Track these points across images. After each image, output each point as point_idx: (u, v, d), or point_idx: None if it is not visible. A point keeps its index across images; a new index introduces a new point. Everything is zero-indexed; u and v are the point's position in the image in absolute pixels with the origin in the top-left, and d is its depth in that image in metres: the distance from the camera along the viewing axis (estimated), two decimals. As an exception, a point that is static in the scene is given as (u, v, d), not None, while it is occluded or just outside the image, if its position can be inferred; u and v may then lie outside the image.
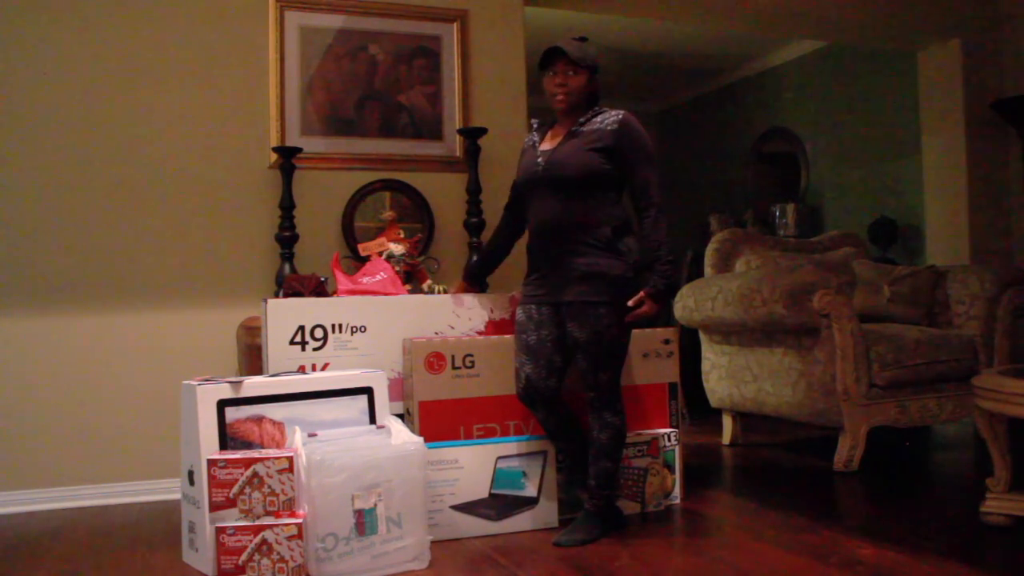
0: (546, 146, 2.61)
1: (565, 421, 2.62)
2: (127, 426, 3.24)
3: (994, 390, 2.42)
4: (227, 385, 2.35)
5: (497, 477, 2.61)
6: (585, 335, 2.47)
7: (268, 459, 2.20)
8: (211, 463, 2.19)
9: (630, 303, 2.47)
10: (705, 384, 4.06)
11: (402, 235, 3.24)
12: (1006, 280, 3.76)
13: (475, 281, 2.95)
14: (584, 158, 2.50)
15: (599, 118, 2.55)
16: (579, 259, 2.49)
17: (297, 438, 2.30)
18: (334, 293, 2.95)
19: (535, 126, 2.73)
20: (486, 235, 3.48)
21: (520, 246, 2.80)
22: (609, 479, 2.55)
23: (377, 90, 3.63)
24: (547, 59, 2.56)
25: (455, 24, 3.72)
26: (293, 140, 3.47)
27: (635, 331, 2.90)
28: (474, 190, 3.48)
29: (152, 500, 3.21)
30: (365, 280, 2.93)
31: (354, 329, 2.72)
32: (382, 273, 2.95)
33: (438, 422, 2.63)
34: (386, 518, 2.23)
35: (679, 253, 5.96)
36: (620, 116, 2.53)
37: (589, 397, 2.53)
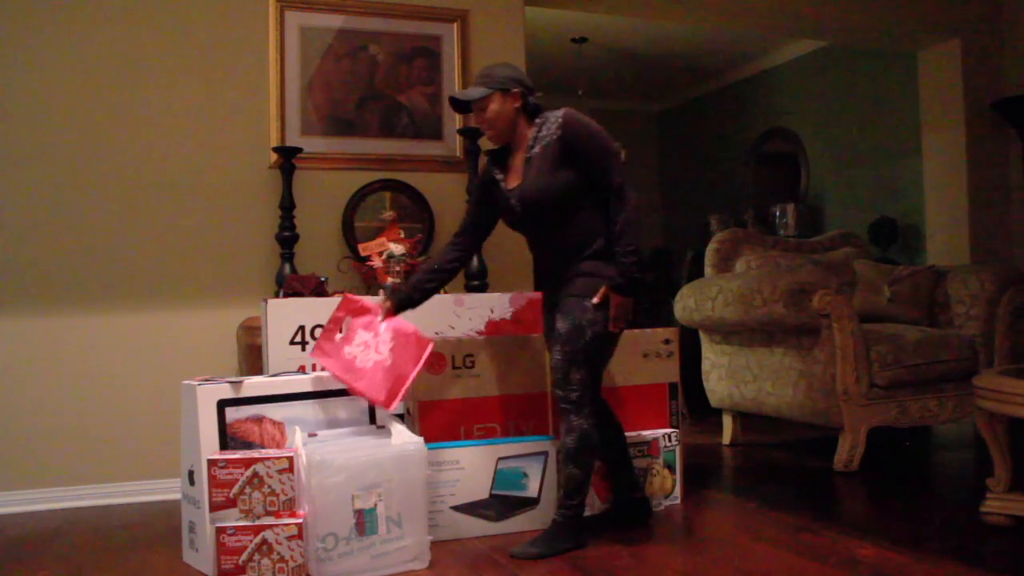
0: (512, 182, 2.50)
1: (602, 420, 2.54)
2: (127, 426, 3.25)
3: (994, 390, 2.42)
4: (227, 385, 2.35)
5: (498, 478, 2.61)
6: (567, 327, 2.37)
7: (268, 459, 2.20)
8: (211, 463, 2.19)
9: (595, 300, 2.36)
10: (705, 384, 4.06)
11: (402, 235, 3.25)
12: (1006, 280, 3.76)
13: (402, 308, 2.56)
14: (550, 183, 2.39)
15: (543, 131, 2.42)
16: (575, 264, 2.43)
17: (297, 438, 2.30)
18: (334, 294, 2.95)
19: (488, 160, 2.60)
20: (486, 235, 3.49)
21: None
22: (578, 488, 2.39)
23: (377, 90, 3.63)
24: (458, 109, 2.54)
25: (455, 24, 3.73)
26: (293, 140, 3.47)
27: (635, 331, 2.91)
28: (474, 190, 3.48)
29: (152, 500, 3.22)
30: (348, 352, 2.48)
31: (354, 329, 2.72)
32: (373, 354, 2.48)
33: (438, 422, 2.63)
34: (386, 518, 2.23)
35: (679, 253, 5.97)
36: (559, 119, 2.40)
37: (558, 396, 2.40)
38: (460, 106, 2.52)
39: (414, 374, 2.40)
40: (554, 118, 2.41)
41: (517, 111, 2.47)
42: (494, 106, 2.45)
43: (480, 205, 2.62)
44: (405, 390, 2.38)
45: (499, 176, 2.54)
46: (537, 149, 2.43)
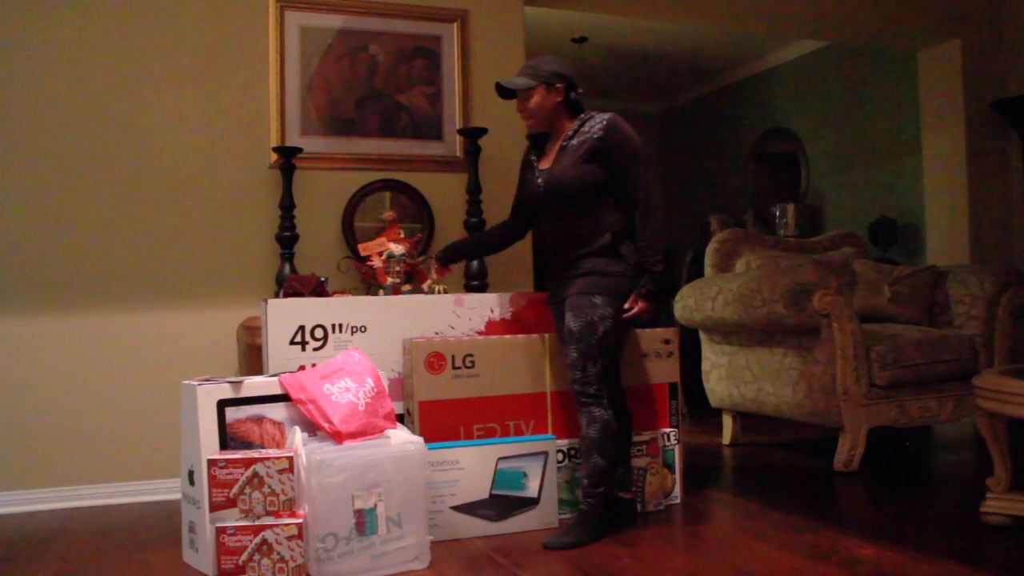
0: (544, 164, 2.67)
1: (616, 415, 2.59)
2: (127, 426, 3.24)
3: (994, 390, 2.42)
4: (227, 385, 2.35)
5: (498, 478, 2.61)
6: (579, 325, 2.49)
7: (268, 459, 2.20)
8: (211, 463, 2.19)
9: (626, 305, 2.53)
10: (705, 384, 4.06)
11: (402, 235, 3.24)
12: (1006, 280, 3.76)
13: (447, 263, 2.92)
14: (578, 173, 2.54)
15: (586, 126, 2.57)
16: (581, 261, 2.58)
17: (297, 438, 2.30)
18: (334, 293, 2.95)
19: (529, 143, 2.78)
20: (486, 235, 3.49)
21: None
22: (603, 477, 2.50)
23: (377, 90, 3.63)
24: (502, 95, 2.67)
25: (455, 24, 3.72)
26: (293, 140, 3.47)
27: (635, 331, 2.91)
28: (474, 190, 3.48)
29: (152, 500, 3.22)
30: (326, 389, 2.43)
31: (354, 329, 2.72)
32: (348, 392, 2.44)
33: (438, 422, 2.63)
34: (386, 518, 2.23)
35: (678, 253, 5.98)
36: (605, 121, 2.54)
37: (577, 391, 2.51)
38: (505, 93, 2.65)
39: (373, 436, 2.36)
40: (599, 119, 2.55)
41: (558, 104, 2.61)
42: (537, 98, 2.59)
43: (520, 187, 2.79)
44: (359, 440, 2.33)
45: (533, 157, 2.72)
46: (575, 141, 2.57)
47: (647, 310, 2.54)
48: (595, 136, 2.53)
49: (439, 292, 3.06)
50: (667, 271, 2.55)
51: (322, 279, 2.93)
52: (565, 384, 2.71)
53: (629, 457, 2.75)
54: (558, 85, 2.59)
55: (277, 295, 3.18)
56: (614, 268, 2.54)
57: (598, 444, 2.49)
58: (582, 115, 2.61)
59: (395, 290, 2.99)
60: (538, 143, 2.73)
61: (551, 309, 2.79)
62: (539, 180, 2.64)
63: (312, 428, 2.36)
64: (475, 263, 3.43)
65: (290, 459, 2.21)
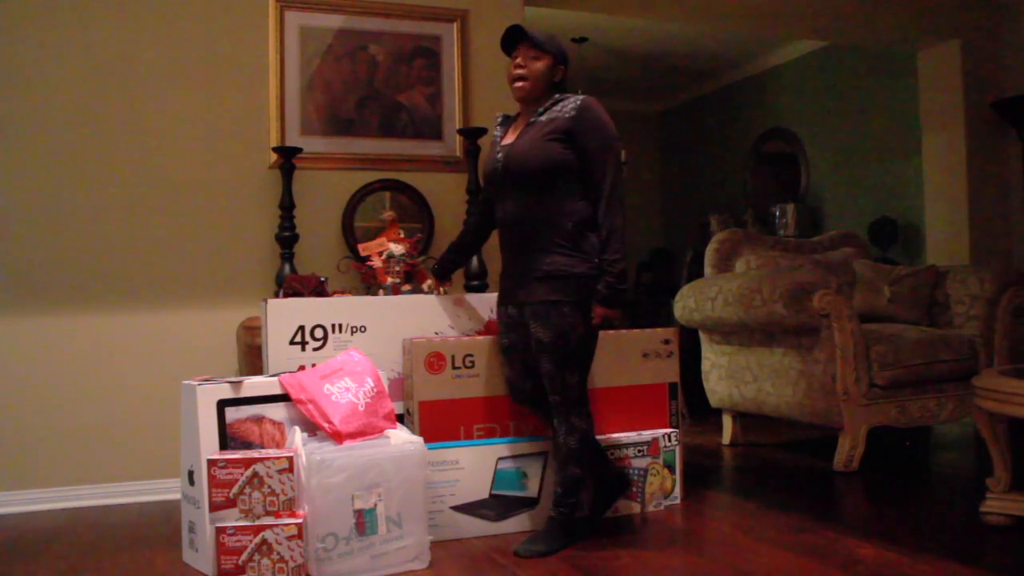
0: (507, 140, 2.52)
1: None
2: (127, 426, 3.24)
3: (994, 390, 2.42)
4: (227, 385, 2.35)
5: (497, 478, 2.61)
6: (550, 336, 2.36)
7: (268, 459, 2.20)
8: (211, 463, 2.19)
9: (594, 321, 2.39)
10: (705, 384, 4.06)
11: (402, 235, 3.24)
12: (1006, 280, 3.76)
13: (444, 278, 2.89)
14: (543, 149, 2.37)
15: (558, 106, 2.43)
16: (541, 258, 2.40)
17: (297, 438, 2.30)
18: (334, 294, 2.95)
19: (499, 120, 2.64)
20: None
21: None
22: (577, 486, 2.44)
23: (377, 90, 3.63)
24: (508, 42, 2.49)
25: (455, 24, 3.73)
26: (293, 140, 3.47)
27: (635, 331, 2.91)
28: (474, 190, 3.48)
29: (152, 500, 3.22)
30: (326, 389, 2.44)
31: (354, 329, 2.72)
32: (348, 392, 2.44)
33: (438, 422, 2.63)
34: (386, 518, 2.23)
35: (678, 253, 5.98)
36: (579, 101, 2.40)
37: (555, 401, 2.42)
38: (511, 41, 2.49)
39: (373, 436, 2.37)
40: (573, 100, 2.43)
41: (552, 83, 2.50)
42: (543, 64, 2.47)
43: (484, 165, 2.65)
44: (359, 440, 2.33)
45: (498, 133, 2.60)
46: (544, 118, 2.44)
47: (608, 316, 2.38)
48: (566, 116, 2.38)
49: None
50: (624, 275, 2.36)
51: (322, 279, 2.93)
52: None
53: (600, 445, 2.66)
54: (561, 67, 2.50)
55: (277, 295, 3.18)
56: (579, 269, 2.37)
57: (576, 455, 2.42)
58: (557, 95, 2.48)
59: (395, 290, 2.99)
60: (505, 123, 2.61)
61: (498, 311, 2.61)
62: (499, 155, 2.48)
63: (312, 428, 2.36)
64: (475, 263, 3.43)
65: (290, 459, 2.21)
